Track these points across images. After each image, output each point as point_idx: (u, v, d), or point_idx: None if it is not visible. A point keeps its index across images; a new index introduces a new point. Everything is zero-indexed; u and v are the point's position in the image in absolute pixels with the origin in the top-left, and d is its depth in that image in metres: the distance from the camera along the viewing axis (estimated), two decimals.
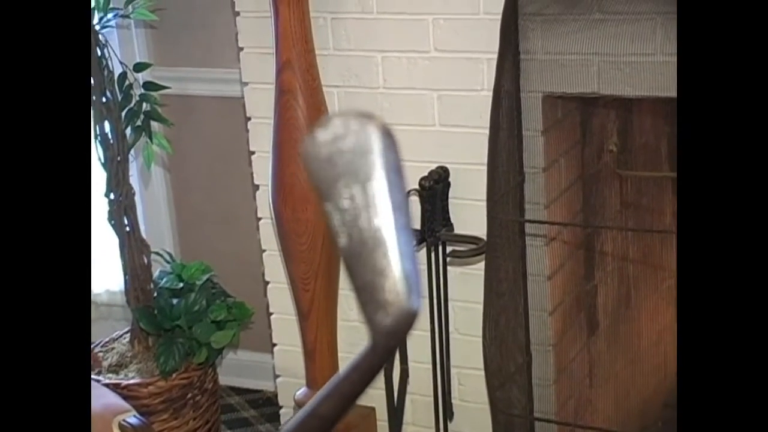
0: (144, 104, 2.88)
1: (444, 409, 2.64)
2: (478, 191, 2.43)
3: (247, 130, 2.82)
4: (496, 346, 2.43)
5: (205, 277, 2.99)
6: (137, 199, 2.99)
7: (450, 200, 2.55)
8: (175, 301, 2.95)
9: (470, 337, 2.59)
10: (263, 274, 2.94)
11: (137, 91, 2.88)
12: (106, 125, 2.84)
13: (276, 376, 3.01)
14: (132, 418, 2.44)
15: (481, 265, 2.44)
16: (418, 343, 2.62)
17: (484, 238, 2.39)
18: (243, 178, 3.24)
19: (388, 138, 0.75)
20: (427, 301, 2.54)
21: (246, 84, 2.77)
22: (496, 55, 2.33)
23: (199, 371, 2.99)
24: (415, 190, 2.47)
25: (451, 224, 2.55)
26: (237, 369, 3.54)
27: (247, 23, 2.70)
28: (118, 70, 2.86)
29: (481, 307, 2.41)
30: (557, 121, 2.48)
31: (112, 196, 2.90)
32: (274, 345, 2.96)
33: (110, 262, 3.20)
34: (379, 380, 2.59)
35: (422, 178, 2.48)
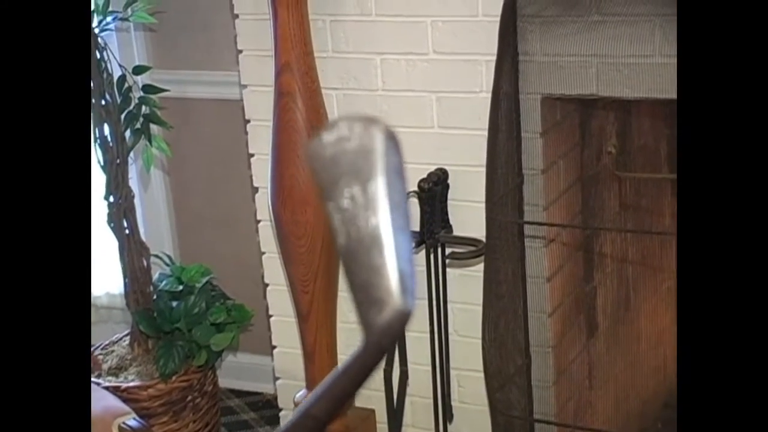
0: (143, 107, 2.88)
1: (443, 410, 2.64)
2: (477, 193, 2.43)
3: (246, 133, 2.82)
4: (496, 347, 2.43)
5: (204, 280, 2.99)
6: (136, 201, 2.99)
7: (449, 202, 2.55)
8: (174, 303, 2.95)
9: (470, 338, 2.59)
10: (263, 277, 2.95)
11: (136, 94, 2.89)
12: (106, 128, 2.85)
13: (276, 379, 3.01)
14: (132, 421, 2.44)
15: (481, 266, 2.44)
16: (418, 345, 2.62)
17: (483, 239, 2.39)
18: (242, 180, 3.24)
19: (391, 141, 0.76)
20: (426, 302, 2.54)
21: (245, 86, 2.77)
22: (494, 57, 2.33)
23: (199, 374, 2.99)
24: (414, 191, 2.47)
25: (450, 226, 2.55)
26: (237, 371, 3.54)
27: (246, 26, 2.70)
28: (117, 73, 2.86)
29: (480, 308, 2.41)
30: (556, 123, 2.48)
31: (111, 199, 2.90)
32: (274, 347, 2.96)
33: (110, 265, 3.20)
34: (379, 382, 2.59)
35: (421, 180, 2.48)
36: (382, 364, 2.53)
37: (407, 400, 2.67)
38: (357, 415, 2.79)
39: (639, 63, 2.25)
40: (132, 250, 2.95)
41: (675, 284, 2.90)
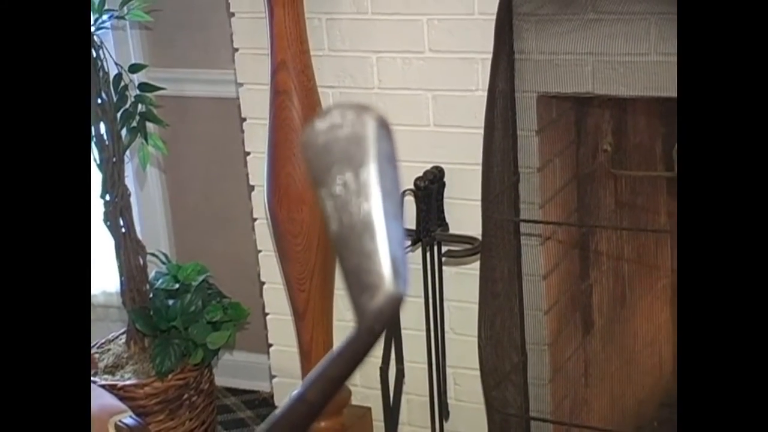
0: (139, 105, 2.88)
1: (440, 408, 2.65)
2: (473, 191, 2.43)
3: (243, 131, 2.82)
4: (492, 345, 2.43)
5: (200, 278, 2.99)
6: (133, 200, 3.00)
7: (445, 200, 2.55)
8: (170, 302, 2.95)
9: (466, 336, 2.59)
10: (259, 275, 2.95)
11: (132, 93, 2.89)
12: (102, 126, 2.85)
13: (272, 377, 3.01)
14: (128, 419, 2.44)
15: (477, 264, 2.45)
16: (414, 342, 2.62)
17: (479, 237, 2.40)
18: (238, 178, 3.24)
19: (384, 128, 0.77)
20: (422, 301, 2.55)
21: (241, 85, 2.77)
22: (490, 55, 2.34)
23: (195, 372, 2.99)
24: (411, 190, 2.47)
25: (446, 224, 2.55)
26: (233, 370, 3.54)
27: (242, 24, 2.71)
28: (113, 72, 2.86)
29: (476, 306, 2.42)
30: (552, 121, 2.49)
31: (107, 197, 2.90)
32: (270, 345, 2.96)
33: (106, 263, 3.20)
34: (375, 380, 2.59)
35: (417, 178, 2.48)
36: (378, 355, 2.54)
37: (403, 398, 2.67)
38: (353, 413, 2.79)
39: (634, 61, 2.26)
40: (128, 249, 2.95)
41: (671, 282, 2.91)
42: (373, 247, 0.75)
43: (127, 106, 2.87)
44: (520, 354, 2.53)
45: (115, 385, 2.88)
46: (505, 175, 2.41)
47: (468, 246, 2.44)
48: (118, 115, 2.86)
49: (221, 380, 3.46)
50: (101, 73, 2.82)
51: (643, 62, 2.25)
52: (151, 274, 3.04)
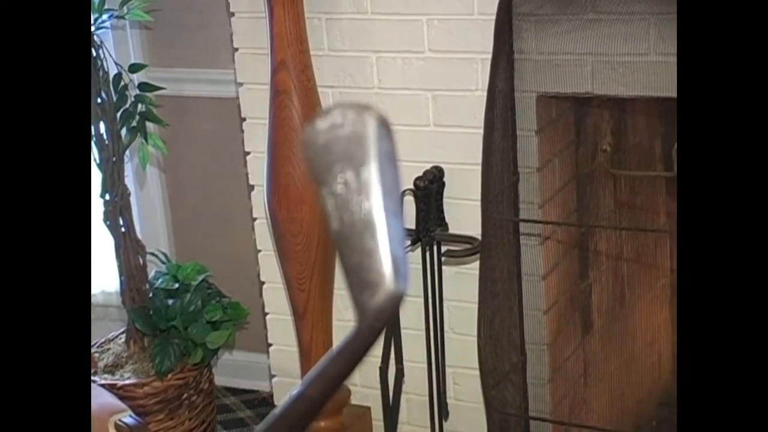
0: (139, 105, 2.88)
1: (439, 408, 2.65)
2: (472, 191, 2.44)
3: (242, 131, 2.82)
4: (491, 345, 2.43)
5: (200, 278, 2.99)
6: (132, 199, 3.00)
7: (445, 200, 2.55)
8: (170, 301, 2.95)
9: (465, 336, 2.60)
10: (258, 275, 2.95)
11: (132, 92, 2.89)
12: (102, 126, 2.85)
13: (272, 376, 3.01)
14: (128, 418, 2.45)
15: (476, 264, 2.45)
16: (414, 342, 2.62)
17: (479, 237, 2.40)
18: (238, 178, 3.24)
19: (384, 127, 0.77)
20: (422, 300, 2.55)
21: (241, 84, 2.77)
22: (490, 56, 2.34)
23: (195, 371, 2.99)
24: (410, 189, 2.47)
25: (446, 224, 2.55)
26: (233, 369, 3.54)
27: (241, 24, 2.71)
28: (113, 71, 2.86)
29: (475, 306, 2.42)
30: (551, 121, 2.49)
31: (107, 196, 2.90)
32: (270, 345, 2.96)
33: (106, 262, 3.20)
34: (375, 380, 2.59)
35: (417, 178, 2.49)
36: (378, 355, 2.54)
37: (403, 397, 2.67)
38: (353, 413, 2.79)
39: (634, 61, 2.26)
40: (128, 248, 2.96)
41: (670, 282, 2.91)
42: (373, 246, 0.75)
43: (127, 105, 2.87)
44: (519, 354, 2.53)
45: (115, 385, 2.88)
46: (505, 175, 2.41)
47: (467, 246, 2.44)
48: (118, 114, 2.87)
49: (221, 380, 3.46)
50: (101, 73, 2.82)
51: (642, 62, 2.25)
52: (151, 274, 3.05)
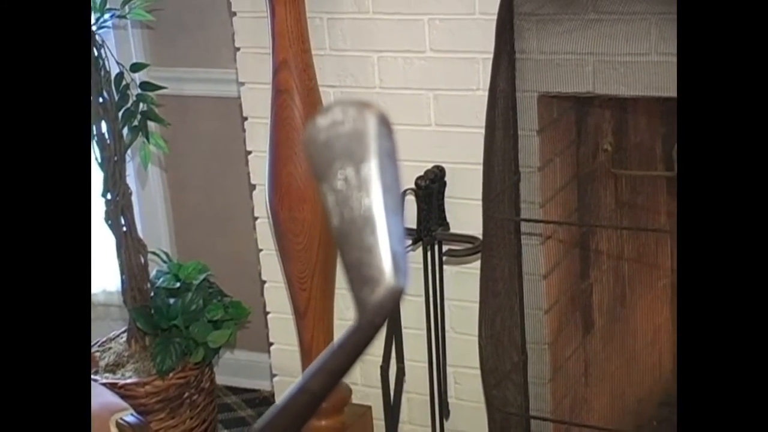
0: (141, 104, 2.88)
1: (440, 407, 2.65)
2: (473, 190, 2.44)
3: (244, 130, 2.83)
4: (492, 344, 2.44)
5: (201, 277, 3.00)
6: (134, 198, 3.00)
7: (446, 199, 2.55)
8: (172, 300, 2.96)
9: (466, 335, 2.60)
10: (260, 274, 2.95)
11: (134, 92, 2.89)
12: (103, 125, 2.85)
13: (273, 376, 3.01)
14: (129, 417, 2.45)
15: (477, 264, 2.45)
16: (415, 341, 2.63)
17: (480, 237, 2.40)
18: (240, 177, 3.24)
19: (384, 125, 0.78)
20: (423, 300, 2.55)
21: (242, 84, 2.78)
22: (491, 55, 2.34)
23: (196, 371, 2.99)
24: (412, 189, 2.48)
25: (447, 223, 2.56)
26: (234, 368, 3.54)
27: (243, 23, 2.71)
28: (114, 71, 2.87)
29: (477, 306, 2.42)
30: (552, 121, 2.49)
31: (108, 196, 2.91)
32: (271, 344, 2.96)
33: (107, 262, 3.20)
34: (375, 379, 2.60)
35: (418, 178, 2.49)
36: (379, 354, 2.54)
37: (404, 396, 2.68)
38: (353, 412, 2.80)
39: (635, 61, 2.26)
40: (129, 247, 2.96)
41: (670, 282, 2.91)
42: (373, 242, 0.76)
43: (129, 105, 2.88)
44: (520, 353, 2.53)
45: (116, 384, 2.88)
46: (506, 174, 2.41)
47: (469, 245, 2.45)
48: (120, 114, 2.87)
49: (222, 379, 3.47)
50: (103, 72, 2.82)
51: (643, 62, 2.25)
52: (152, 273, 3.05)
